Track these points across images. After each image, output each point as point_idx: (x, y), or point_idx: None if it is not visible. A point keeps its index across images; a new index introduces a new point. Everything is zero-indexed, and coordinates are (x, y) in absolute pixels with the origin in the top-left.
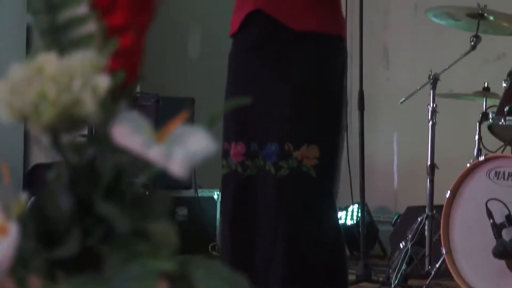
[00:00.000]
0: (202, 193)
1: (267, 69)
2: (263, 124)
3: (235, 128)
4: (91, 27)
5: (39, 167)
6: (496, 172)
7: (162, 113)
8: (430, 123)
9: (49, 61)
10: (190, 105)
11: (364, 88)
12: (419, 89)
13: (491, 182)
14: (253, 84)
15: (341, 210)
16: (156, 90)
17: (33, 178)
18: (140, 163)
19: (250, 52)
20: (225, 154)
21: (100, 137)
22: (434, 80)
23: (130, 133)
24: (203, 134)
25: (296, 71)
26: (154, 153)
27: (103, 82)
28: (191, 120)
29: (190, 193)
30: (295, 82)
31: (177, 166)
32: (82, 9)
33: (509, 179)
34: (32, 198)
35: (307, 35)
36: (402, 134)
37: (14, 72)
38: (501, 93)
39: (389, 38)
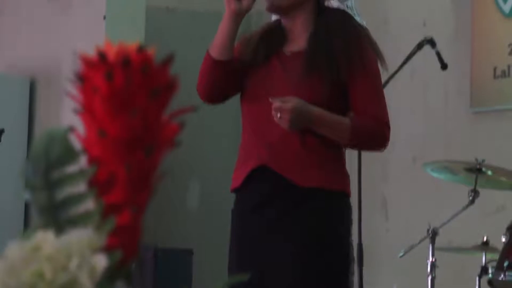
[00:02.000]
0: None
1: (270, 230)
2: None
3: None
4: (89, 205)
5: None
6: None
7: (160, 264)
8: (429, 277)
9: (46, 240)
10: (189, 257)
11: (363, 240)
12: (418, 243)
13: None
14: (255, 246)
15: None
16: (154, 241)
17: None
18: None
19: (253, 212)
20: None
21: None
22: (433, 234)
23: None
24: None
25: (299, 232)
26: None
27: (100, 262)
28: (189, 272)
29: None
30: (299, 243)
31: None
32: (80, 187)
33: None
34: None
35: (312, 192)
36: (401, 287)
37: (10, 251)
38: (500, 246)
39: (388, 190)
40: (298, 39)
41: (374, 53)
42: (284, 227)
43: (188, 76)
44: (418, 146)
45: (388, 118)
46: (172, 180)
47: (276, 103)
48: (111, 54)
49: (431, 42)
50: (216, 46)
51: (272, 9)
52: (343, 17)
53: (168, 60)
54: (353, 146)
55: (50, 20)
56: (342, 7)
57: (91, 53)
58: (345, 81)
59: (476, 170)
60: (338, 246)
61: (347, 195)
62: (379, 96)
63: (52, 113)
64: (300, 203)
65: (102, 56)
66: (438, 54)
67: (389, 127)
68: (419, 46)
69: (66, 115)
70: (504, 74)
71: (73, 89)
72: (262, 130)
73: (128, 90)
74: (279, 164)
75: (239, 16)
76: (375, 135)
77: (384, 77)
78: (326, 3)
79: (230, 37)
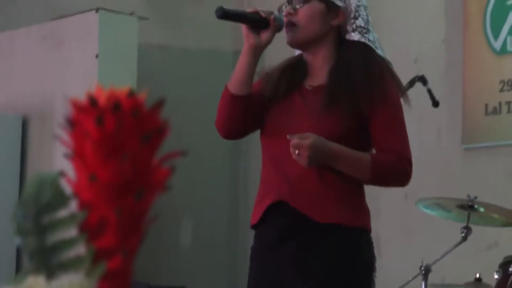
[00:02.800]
0: None
1: (289, 266)
2: None
3: None
4: (80, 249)
5: None
6: None
7: None
8: None
9: (37, 284)
10: None
11: None
12: (411, 280)
13: None
14: (274, 282)
15: None
16: (147, 278)
17: None
18: None
19: (272, 249)
20: None
21: None
22: (426, 271)
23: None
24: None
25: (320, 269)
26: None
27: None
28: None
29: None
30: (320, 281)
31: None
32: (71, 232)
33: None
34: None
35: (331, 228)
36: None
37: None
38: (493, 283)
39: (380, 226)
40: (319, 73)
41: (396, 86)
42: (303, 262)
43: (181, 113)
44: (411, 183)
45: (410, 153)
46: (164, 217)
47: (294, 140)
48: (102, 99)
49: (423, 80)
50: (234, 81)
51: (293, 43)
52: (364, 50)
53: (159, 104)
54: (374, 183)
55: (43, 58)
56: (363, 40)
57: (84, 91)
58: (366, 115)
59: (468, 207)
60: (357, 283)
61: (367, 230)
62: (400, 130)
63: (45, 151)
64: (318, 239)
65: (92, 100)
66: (430, 92)
67: (411, 163)
68: (411, 83)
69: (59, 153)
70: (495, 111)
71: (64, 134)
72: (282, 165)
73: (118, 134)
74: (297, 199)
75: (257, 50)
76: (396, 172)
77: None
78: (347, 36)
79: (249, 71)
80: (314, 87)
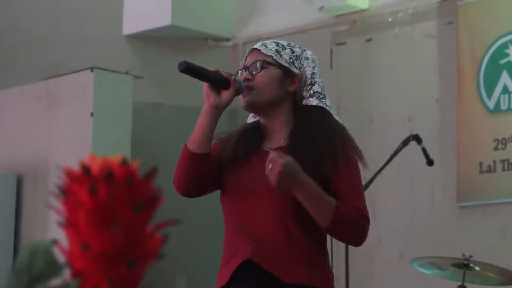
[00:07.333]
0: None
1: None
2: None
3: None
4: None
5: None
6: None
7: None
8: None
9: None
10: None
11: None
12: None
13: None
14: None
15: None
16: None
17: None
18: None
19: None
20: None
21: None
22: None
23: None
24: None
25: None
26: None
27: None
28: None
29: None
30: None
31: None
32: None
33: None
34: None
35: None
36: None
37: None
38: None
39: (375, 285)
40: (277, 136)
41: (354, 149)
42: None
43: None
44: (405, 242)
45: (368, 213)
46: (159, 277)
47: (271, 154)
48: (95, 168)
49: (417, 139)
50: (194, 140)
51: (250, 106)
52: (323, 114)
53: (152, 173)
54: (332, 231)
55: (37, 117)
56: (321, 104)
57: (78, 151)
58: (329, 176)
59: (463, 265)
60: None
61: None
62: (360, 191)
63: (40, 209)
64: None
65: (85, 169)
66: (424, 151)
67: (369, 222)
68: (405, 142)
69: (53, 212)
70: (490, 169)
71: (57, 202)
72: (247, 226)
73: (111, 203)
74: (265, 259)
75: (218, 110)
76: (355, 225)
77: (370, 174)
78: (304, 102)
79: (208, 131)
80: (273, 148)
